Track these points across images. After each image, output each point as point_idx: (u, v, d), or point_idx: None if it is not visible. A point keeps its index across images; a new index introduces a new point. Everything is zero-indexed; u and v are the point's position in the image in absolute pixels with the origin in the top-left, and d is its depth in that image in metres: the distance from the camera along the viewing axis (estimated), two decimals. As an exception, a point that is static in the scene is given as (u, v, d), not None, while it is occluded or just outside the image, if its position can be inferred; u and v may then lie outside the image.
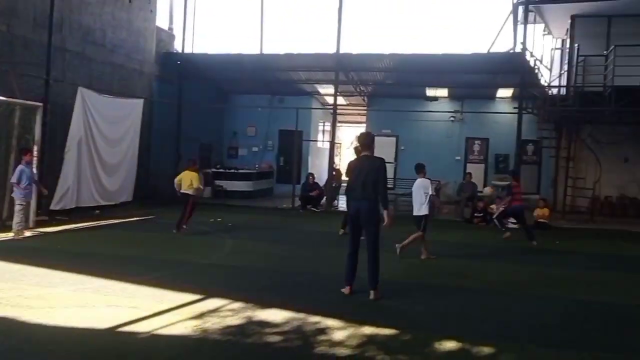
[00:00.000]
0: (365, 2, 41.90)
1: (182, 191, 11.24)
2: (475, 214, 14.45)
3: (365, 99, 20.27)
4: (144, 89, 16.02)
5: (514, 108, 15.81)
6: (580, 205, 16.53)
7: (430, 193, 9.20)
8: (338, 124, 21.94)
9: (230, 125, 21.00)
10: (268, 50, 19.39)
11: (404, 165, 18.97)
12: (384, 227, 6.60)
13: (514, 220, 13.60)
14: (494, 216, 12.53)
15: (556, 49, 19.47)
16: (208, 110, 19.28)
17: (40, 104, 11.48)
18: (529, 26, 16.56)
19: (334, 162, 17.64)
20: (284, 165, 20.57)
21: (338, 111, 18.46)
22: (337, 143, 22.38)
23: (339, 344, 4.87)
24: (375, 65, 17.14)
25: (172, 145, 17.16)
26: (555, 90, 17.12)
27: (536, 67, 17.21)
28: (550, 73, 19.58)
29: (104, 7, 14.12)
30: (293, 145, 17.68)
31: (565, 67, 16.42)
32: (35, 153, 11.12)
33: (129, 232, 11.21)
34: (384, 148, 19.54)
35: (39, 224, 10.99)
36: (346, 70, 17.19)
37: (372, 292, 6.43)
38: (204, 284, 6.86)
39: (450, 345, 4.98)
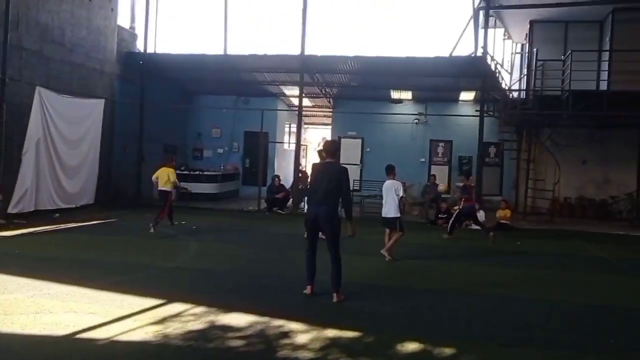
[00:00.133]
0: (329, 4, 42.14)
1: (159, 188, 11.22)
2: (440, 215, 14.66)
3: (331, 100, 20.32)
4: (105, 88, 15.70)
5: (476, 111, 16.12)
6: (540, 206, 16.96)
7: (402, 195, 9.30)
8: (304, 126, 21.94)
9: (194, 126, 20.76)
10: (232, 51, 19.27)
11: (369, 167, 19.14)
12: (347, 235, 6.64)
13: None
14: (451, 220, 12.66)
15: (516, 53, 19.95)
16: (172, 111, 19.02)
17: (-4, 103, 11.16)
18: (490, 31, 16.90)
19: (300, 164, 17.63)
20: (249, 167, 20.43)
21: (304, 113, 18.47)
22: (303, 145, 22.37)
23: (302, 347, 4.87)
24: (339, 67, 17.21)
25: (134, 146, 16.87)
26: (515, 94, 17.54)
27: (497, 71, 17.60)
28: (511, 77, 20.06)
29: (62, 4, 13.77)
30: (259, 147, 17.59)
31: (525, 71, 16.82)
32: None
33: (90, 235, 10.96)
34: (350, 150, 19.68)
35: (-6, 227, 10.66)
36: (311, 72, 17.21)
37: (334, 294, 6.46)
38: (166, 288, 6.76)
39: (412, 346, 5.03)
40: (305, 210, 7.31)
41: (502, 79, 18.34)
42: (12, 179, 11.76)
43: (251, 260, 9.03)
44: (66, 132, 13.41)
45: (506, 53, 21.54)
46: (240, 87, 19.56)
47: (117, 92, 16.32)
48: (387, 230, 9.42)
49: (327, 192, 6.48)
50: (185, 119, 20.63)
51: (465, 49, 18.92)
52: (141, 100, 17.06)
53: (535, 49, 15.95)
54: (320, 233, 6.66)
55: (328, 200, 6.49)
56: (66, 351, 4.63)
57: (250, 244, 10.64)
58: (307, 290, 6.61)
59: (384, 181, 9.72)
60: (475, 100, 18.05)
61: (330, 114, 20.89)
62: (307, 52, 16.24)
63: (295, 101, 18.22)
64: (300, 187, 16.92)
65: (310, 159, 25.38)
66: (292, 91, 19.39)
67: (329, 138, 20.41)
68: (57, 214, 12.96)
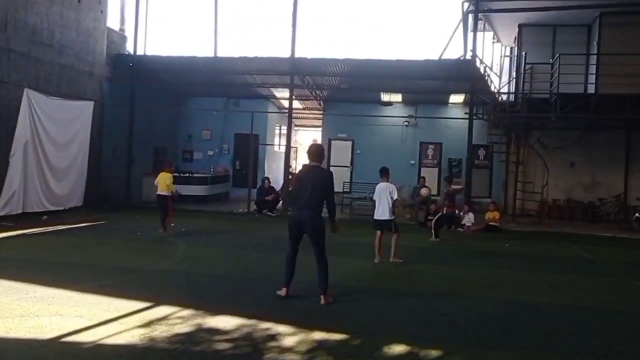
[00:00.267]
0: (320, 7, 42.24)
1: (157, 193, 11.50)
2: (429, 217, 14.69)
3: (321, 103, 20.35)
4: (95, 91, 15.64)
5: (465, 114, 16.20)
6: (529, 208, 17.08)
7: (396, 198, 9.33)
8: (295, 128, 21.99)
9: (185, 128, 20.72)
10: (223, 53, 19.25)
11: (359, 170, 19.19)
12: (331, 232, 6.69)
13: (468, 224, 14.13)
14: (433, 220, 12.74)
15: (505, 56, 20.09)
16: (162, 113, 19.00)
17: (-17, 105, 11.09)
18: (479, 34, 17.05)
19: (290, 166, 17.64)
20: (239, 169, 20.42)
21: (294, 115, 18.50)
22: (294, 147, 22.39)
23: (289, 350, 4.87)
24: (329, 69, 17.26)
25: (124, 148, 16.82)
26: (504, 97, 17.65)
27: (486, 74, 17.70)
28: (500, 80, 20.19)
29: (51, 6, 13.71)
30: (249, 149, 17.58)
31: (514, 74, 16.95)
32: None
33: (78, 238, 10.89)
34: (340, 152, 19.75)
35: (-19, 230, 10.59)
36: (301, 75, 17.24)
37: (322, 296, 6.47)
38: (153, 291, 6.74)
39: (399, 349, 5.04)
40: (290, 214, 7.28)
41: (491, 82, 18.46)
42: (0, 181, 11.67)
43: (239, 262, 9.01)
44: (55, 134, 13.34)
45: (495, 56, 21.69)
46: (230, 89, 19.56)
47: (106, 94, 16.26)
48: (379, 233, 9.38)
49: (312, 196, 6.48)
50: (176, 121, 20.58)
51: (454, 52, 19.07)
52: (131, 102, 17.02)
53: (524, 52, 16.10)
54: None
55: (313, 205, 6.49)
56: (51, 355, 4.60)
57: (239, 246, 10.63)
58: (282, 292, 6.59)
59: (375, 183, 9.76)
60: (465, 102, 18.14)
61: (321, 116, 20.92)
62: (297, 55, 16.29)
63: (286, 103, 18.25)
64: (290, 189, 16.91)
65: (301, 161, 25.42)
66: (282, 93, 19.42)
67: (319, 140, 20.46)
68: (45, 217, 12.88)
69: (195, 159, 20.70)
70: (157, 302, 6.17)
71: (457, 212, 14.19)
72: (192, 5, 39.46)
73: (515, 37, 17.35)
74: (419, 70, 16.55)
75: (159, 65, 17.86)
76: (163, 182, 11.45)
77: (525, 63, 15.83)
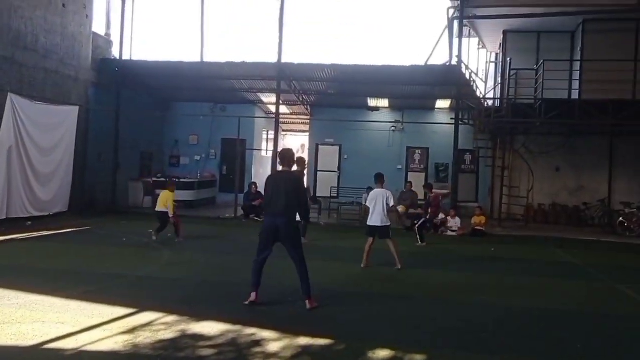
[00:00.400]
0: (306, 13, 42.35)
1: (157, 209, 11.62)
2: (415, 222, 14.74)
3: (309, 108, 20.38)
4: (80, 95, 15.53)
5: (451, 119, 16.30)
6: (515, 213, 17.21)
7: (392, 204, 9.33)
8: (282, 133, 22.00)
9: (171, 133, 20.64)
10: (209, 58, 19.23)
11: (347, 174, 19.22)
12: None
13: (455, 229, 14.25)
14: (417, 225, 12.80)
15: (490, 62, 20.26)
16: (148, 118, 18.90)
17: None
18: (465, 40, 17.18)
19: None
20: (226, 174, 20.37)
21: (282, 120, 18.49)
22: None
23: (273, 355, 4.86)
24: (316, 75, 17.29)
25: (110, 154, 16.72)
26: (490, 102, 17.79)
27: (472, 79, 17.83)
28: (486, 85, 20.37)
29: (35, 11, 13.61)
30: (236, 154, 17.54)
31: (499, 80, 17.10)
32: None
33: (62, 244, 10.80)
34: (328, 157, 19.77)
35: (-37, 236, 10.47)
36: (288, 80, 17.26)
37: (307, 301, 6.47)
38: (138, 297, 6.70)
39: (383, 353, 5.05)
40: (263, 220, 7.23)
41: (477, 87, 18.60)
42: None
43: (225, 268, 8.98)
44: (39, 140, 13.25)
45: (481, 62, 21.93)
46: (217, 94, 19.53)
47: (92, 99, 16.16)
48: (371, 239, 9.28)
49: (286, 202, 6.46)
50: (162, 126, 20.50)
51: (440, 58, 19.15)
52: (117, 107, 16.93)
53: (508, 58, 16.24)
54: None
55: (287, 211, 6.49)
56: (33, 362, 4.56)
57: (225, 252, 10.59)
58: (252, 297, 6.53)
59: (362, 188, 9.77)
60: (451, 108, 18.26)
61: (308, 121, 20.94)
62: (284, 60, 16.30)
63: (273, 108, 18.24)
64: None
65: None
66: (269, 98, 19.42)
67: (307, 145, 20.48)
68: (30, 222, 12.78)
69: (182, 164, 20.62)
70: (142, 308, 6.14)
71: (441, 215, 14.27)
72: (179, 11, 39.36)
73: (500, 44, 17.51)
74: (405, 75, 16.65)
75: (145, 70, 17.80)
76: (164, 200, 11.47)
77: (510, 69, 15.97)
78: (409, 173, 19.31)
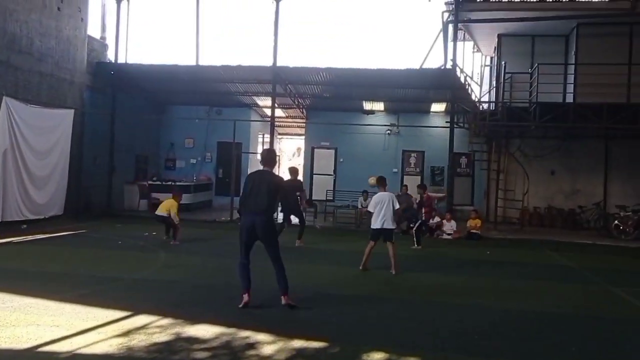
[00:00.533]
0: (302, 16, 42.47)
1: (156, 213, 11.75)
2: (411, 225, 14.76)
3: (304, 111, 20.39)
4: (75, 99, 15.50)
5: (447, 122, 16.34)
6: (511, 216, 17.26)
7: (397, 207, 9.33)
8: (278, 136, 22.00)
9: (167, 136, 20.61)
10: (205, 61, 19.22)
11: (342, 177, 19.23)
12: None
13: (450, 232, 14.28)
14: (414, 228, 12.83)
15: (485, 65, 20.33)
16: (143, 121, 18.88)
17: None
18: (459, 44, 17.23)
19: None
20: (222, 177, 20.35)
21: (277, 123, 18.49)
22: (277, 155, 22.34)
23: (268, 358, 4.86)
24: (312, 78, 17.31)
25: (105, 157, 16.69)
26: (485, 105, 17.85)
27: (467, 83, 17.89)
28: (481, 89, 20.44)
29: (30, 14, 13.58)
30: (232, 157, 17.53)
31: (494, 84, 17.16)
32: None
33: (58, 247, 10.77)
34: (323, 160, 19.79)
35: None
36: (283, 83, 17.27)
37: (282, 297, 6.57)
38: (133, 300, 6.68)
39: (378, 356, 5.05)
40: (240, 220, 7.22)
41: (472, 90, 18.66)
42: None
43: (220, 271, 8.96)
44: (34, 143, 13.22)
45: (476, 65, 21.98)
46: (212, 97, 19.52)
47: (87, 103, 16.13)
48: (372, 243, 9.25)
49: (267, 202, 6.51)
50: (158, 129, 20.47)
51: (435, 62, 19.20)
52: (112, 110, 16.91)
53: (503, 62, 16.30)
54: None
55: (265, 209, 6.52)
56: (26, 365, 4.55)
57: (221, 254, 10.56)
58: (245, 298, 6.54)
59: (358, 191, 9.77)
60: (446, 111, 18.29)
61: (304, 124, 20.96)
62: (279, 63, 16.34)
63: (268, 112, 18.26)
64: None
65: (283, 170, 25.39)
66: (264, 102, 19.43)
67: (302, 148, 20.49)
68: (25, 225, 12.73)
69: (178, 167, 20.57)
70: (136, 311, 6.12)
71: (437, 219, 14.29)
72: (174, 14, 39.39)
73: (495, 47, 17.59)
74: (400, 79, 16.67)
75: (140, 73, 17.78)
76: (166, 207, 11.57)
77: (504, 72, 16.04)
78: (405, 176, 19.29)
